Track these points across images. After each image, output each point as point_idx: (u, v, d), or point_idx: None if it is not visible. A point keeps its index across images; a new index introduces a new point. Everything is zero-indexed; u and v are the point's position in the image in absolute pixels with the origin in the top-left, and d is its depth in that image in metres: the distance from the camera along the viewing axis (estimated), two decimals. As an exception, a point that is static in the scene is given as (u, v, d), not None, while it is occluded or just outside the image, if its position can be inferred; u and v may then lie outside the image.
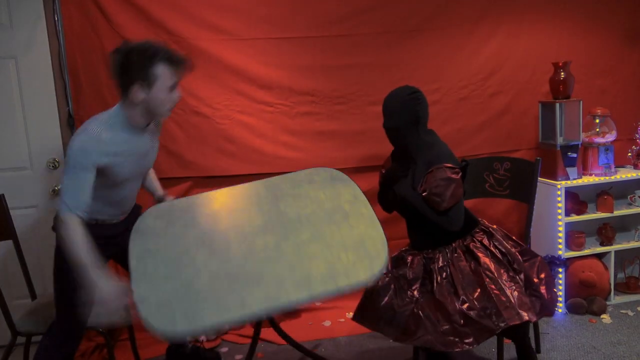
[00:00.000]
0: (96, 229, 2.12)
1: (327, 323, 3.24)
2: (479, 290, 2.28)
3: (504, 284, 2.28)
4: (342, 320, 3.30)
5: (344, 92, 3.37)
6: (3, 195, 2.60)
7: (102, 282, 1.83)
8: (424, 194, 2.33)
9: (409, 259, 2.47)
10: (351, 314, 3.32)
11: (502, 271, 2.32)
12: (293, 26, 3.27)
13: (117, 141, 2.06)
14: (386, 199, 2.54)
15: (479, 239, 2.42)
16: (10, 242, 2.64)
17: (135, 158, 2.15)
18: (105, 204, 2.18)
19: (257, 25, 3.22)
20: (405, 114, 2.40)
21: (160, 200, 2.42)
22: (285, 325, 3.26)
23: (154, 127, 2.27)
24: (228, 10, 3.19)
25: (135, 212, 2.33)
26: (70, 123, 3.15)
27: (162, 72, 2.00)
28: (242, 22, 3.21)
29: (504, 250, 2.40)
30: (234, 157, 3.26)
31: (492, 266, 2.32)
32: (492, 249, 2.39)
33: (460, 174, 2.34)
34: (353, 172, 3.44)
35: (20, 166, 3.15)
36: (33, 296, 2.68)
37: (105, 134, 2.02)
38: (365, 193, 3.41)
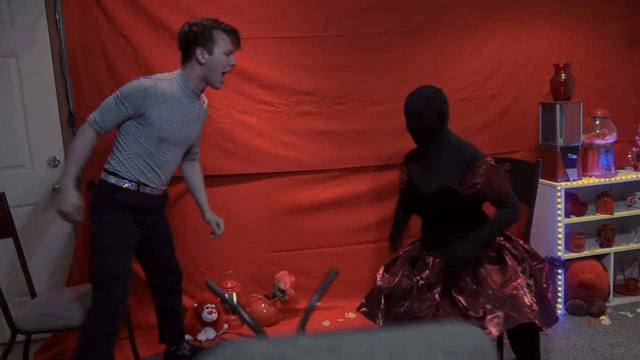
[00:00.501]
0: (137, 198, 2.36)
1: (326, 323, 3.25)
2: (497, 285, 2.25)
3: (523, 287, 2.26)
4: (341, 320, 3.30)
5: (345, 92, 3.37)
6: (3, 193, 2.61)
7: (68, 189, 2.24)
8: (477, 187, 2.29)
9: (429, 260, 2.44)
10: (351, 314, 3.33)
11: (520, 275, 2.31)
12: (294, 26, 3.27)
13: (171, 91, 2.33)
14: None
15: (500, 240, 2.42)
16: (10, 240, 2.64)
17: (182, 119, 2.39)
18: (150, 166, 2.38)
19: (258, 24, 3.22)
20: (433, 113, 2.41)
21: (210, 223, 2.69)
22: (284, 325, 3.27)
23: (205, 108, 2.57)
24: (229, 10, 3.18)
25: (165, 197, 2.58)
26: (71, 121, 3.15)
27: (221, 38, 2.36)
28: (243, 21, 3.20)
29: (520, 256, 2.39)
30: (234, 156, 3.26)
31: (516, 268, 2.31)
32: (513, 251, 2.39)
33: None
34: (353, 172, 3.45)
35: (21, 164, 3.15)
36: (33, 294, 2.67)
37: (162, 83, 2.32)
38: (365, 193, 3.46)
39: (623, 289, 3.55)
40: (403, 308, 2.35)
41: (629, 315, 3.27)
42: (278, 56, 3.26)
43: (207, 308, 3.11)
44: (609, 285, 3.39)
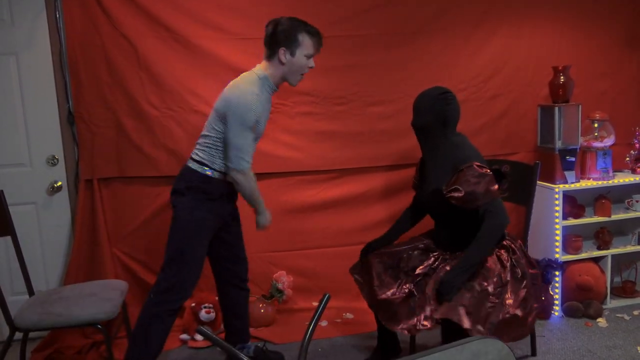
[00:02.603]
0: (222, 186, 2.47)
1: (324, 323, 3.25)
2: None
3: (487, 297, 2.28)
4: (339, 320, 3.30)
5: (344, 93, 3.37)
6: (2, 191, 2.60)
7: (266, 212, 2.60)
8: (458, 192, 2.30)
9: (431, 256, 2.49)
10: (349, 315, 3.34)
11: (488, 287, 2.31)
12: (294, 26, 3.26)
13: (264, 99, 2.45)
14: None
15: (497, 253, 2.43)
16: (8, 238, 2.64)
17: (266, 118, 2.52)
18: None
19: (257, 24, 3.18)
20: (431, 114, 2.42)
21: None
22: (282, 325, 3.27)
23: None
24: (229, 9, 3.19)
25: None
26: (70, 120, 3.15)
27: (305, 41, 2.42)
28: (243, 21, 3.21)
29: (519, 271, 2.38)
30: (234, 156, 3.26)
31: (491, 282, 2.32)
32: (506, 264, 2.38)
33: (490, 171, 2.33)
34: (353, 172, 3.45)
35: (20, 162, 3.15)
36: (31, 292, 2.67)
37: (260, 94, 2.40)
38: (364, 193, 3.46)
39: (620, 291, 3.56)
40: (383, 256, 2.49)
41: (626, 317, 3.28)
42: (278, 56, 3.26)
43: (205, 307, 3.11)
44: (606, 288, 3.40)
